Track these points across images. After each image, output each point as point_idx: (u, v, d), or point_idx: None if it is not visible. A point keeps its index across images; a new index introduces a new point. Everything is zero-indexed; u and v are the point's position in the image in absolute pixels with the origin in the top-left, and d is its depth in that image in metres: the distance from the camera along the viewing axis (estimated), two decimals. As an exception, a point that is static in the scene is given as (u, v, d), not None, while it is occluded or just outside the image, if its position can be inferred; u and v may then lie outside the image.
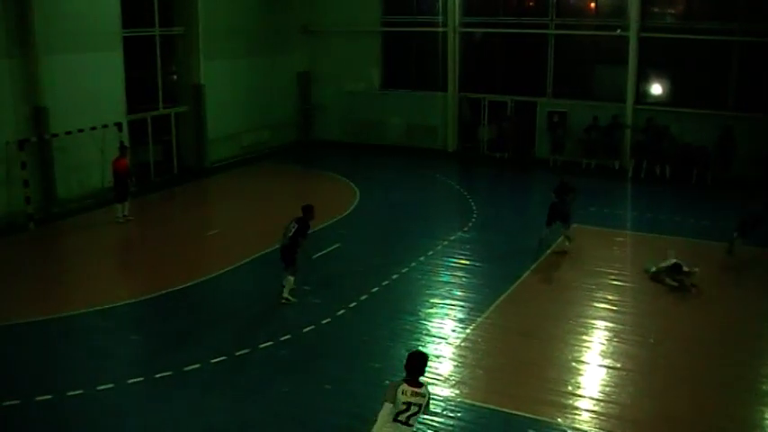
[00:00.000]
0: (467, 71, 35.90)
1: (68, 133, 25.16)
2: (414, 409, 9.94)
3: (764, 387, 14.60)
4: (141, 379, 14.44)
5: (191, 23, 30.97)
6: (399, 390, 9.97)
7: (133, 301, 18.44)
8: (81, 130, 25.57)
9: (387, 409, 9.86)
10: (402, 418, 9.92)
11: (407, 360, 10.24)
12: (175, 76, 31.89)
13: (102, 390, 14.02)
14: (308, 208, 18.14)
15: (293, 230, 17.88)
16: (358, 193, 27.99)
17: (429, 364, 15.00)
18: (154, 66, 30.15)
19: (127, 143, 26.64)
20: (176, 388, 14.28)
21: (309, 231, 18.18)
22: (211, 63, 31.54)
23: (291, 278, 18.24)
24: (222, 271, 20.36)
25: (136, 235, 24.62)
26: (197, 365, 14.95)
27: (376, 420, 9.97)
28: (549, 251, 21.91)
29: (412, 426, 10.01)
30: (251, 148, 34.61)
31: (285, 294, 18.26)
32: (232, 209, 27.17)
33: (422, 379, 10.24)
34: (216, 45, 31.72)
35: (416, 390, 10.01)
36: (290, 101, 37.60)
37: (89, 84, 26.24)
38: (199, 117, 31.55)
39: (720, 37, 30.84)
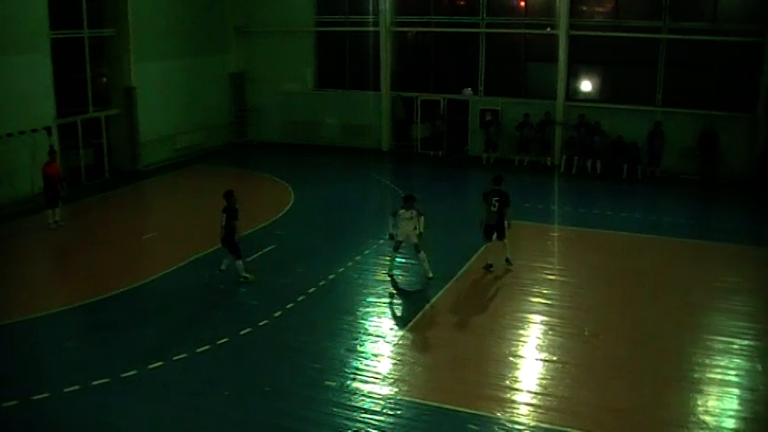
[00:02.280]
0: (400, 70, 36.03)
1: (-4, 137, 24.71)
2: None
3: (697, 375, 14.91)
4: (78, 387, 14.22)
5: (121, 24, 30.55)
6: None
7: (68, 307, 18.12)
8: (10, 135, 25.11)
9: None
10: None
11: None
12: (106, 79, 31.41)
13: (38, 399, 13.77)
14: (228, 193, 19.36)
15: (225, 218, 19.09)
16: (293, 194, 27.91)
17: (368, 362, 15.15)
18: (84, 68, 29.69)
19: (57, 147, 26.21)
20: (114, 395, 14.08)
21: (239, 214, 19.28)
22: (143, 65, 31.16)
23: (240, 262, 19.39)
24: (158, 275, 20.13)
25: (69, 240, 24.18)
26: (134, 372, 14.77)
27: None
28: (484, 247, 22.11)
29: None
30: (185, 151, 34.27)
31: (242, 274, 19.48)
32: (167, 212, 26.94)
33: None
34: (148, 46, 31.34)
35: None
36: (225, 102, 37.35)
37: (17, 87, 25.80)
38: (131, 120, 31.14)
39: (648, 35, 31.45)
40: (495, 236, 20.27)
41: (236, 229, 19.18)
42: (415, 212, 19.53)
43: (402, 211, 19.53)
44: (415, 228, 19.57)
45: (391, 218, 19.91)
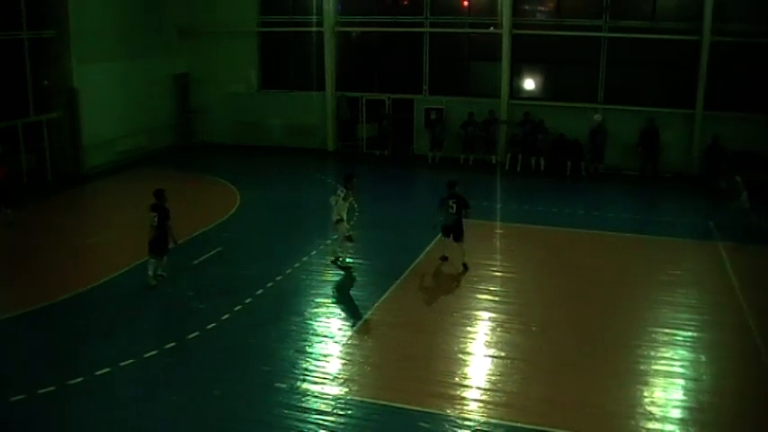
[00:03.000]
0: (344, 70, 36.02)
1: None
2: None
3: (643, 367, 15.16)
4: (23, 396, 13.98)
5: (62, 26, 30.00)
6: None
7: (8, 316, 17.77)
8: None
9: None
10: None
11: None
12: (47, 81, 30.87)
13: (-18, 408, 13.56)
14: (159, 192, 19.41)
15: (156, 219, 18.99)
16: (239, 196, 27.76)
17: (317, 363, 15.14)
18: (23, 70, 29.17)
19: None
20: (61, 403, 13.90)
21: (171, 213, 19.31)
22: (85, 66, 30.67)
23: (165, 258, 19.53)
24: (103, 280, 19.87)
25: (11, 247, 23.76)
26: (80, 379, 14.59)
27: None
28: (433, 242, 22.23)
29: None
30: (129, 153, 33.81)
31: (160, 272, 19.54)
32: (111, 216, 26.58)
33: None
34: (89, 48, 30.82)
35: None
36: (169, 104, 36.97)
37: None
38: (73, 123, 30.67)
39: (589, 33, 31.87)
40: (451, 236, 20.59)
41: (170, 231, 19.20)
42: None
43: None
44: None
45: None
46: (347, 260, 20.89)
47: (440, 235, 21.18)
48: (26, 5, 28.81)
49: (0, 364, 15.67)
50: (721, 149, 29.32)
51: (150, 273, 19.37)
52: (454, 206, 20.27)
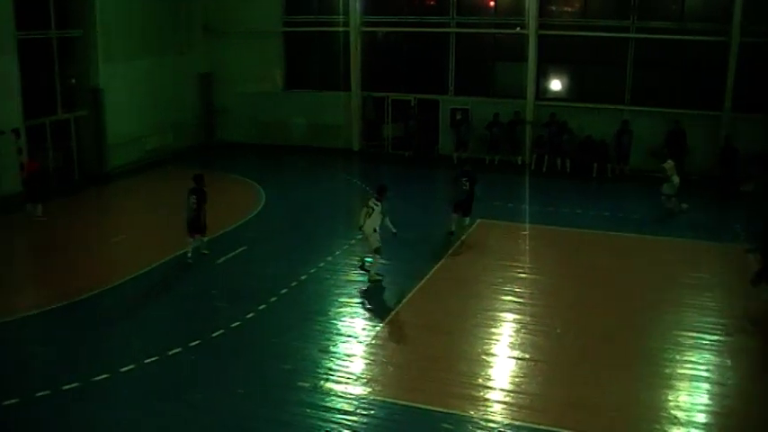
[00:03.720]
0: (370, 70, 35.98)
1: (-37, 140, 24.44)
2: None
3: (667, 371, 15.05)
4: (49, 392, 14.09)
5: (88, 25, 30.23)
6: None
7: (36, 312, 17.95)
8: (-24, 136, 24.88)
9: None
10: None
11: None
12: (74, 80, 31.11)
13: (8, 405, 13.64)
14: (199, 176, 20.92)
15: (195, 201, 20.47)
16: (264, 195, 27.82)
17: (340, 362, 15.14)
18: (51, 69, 29.41)
19: (24, 149, 26.10)
20: (86, 400, 13.99)
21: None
22: (111, 65, 30.89)
23: (205, 238, 21.11)
24: (128, 278, 19.98)
25: (38, 244, 23.98)
26: (105, 376, 14.67)
27: None
28: (457, 244, 22.20)
29: None
30: (154, 152, 33.98)
31: (204, 250, 21.17)
32: (136, 215, 26.72)
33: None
34: (115, 47, 31.08)
35: None
36: (193, 103, 37.12)
37: (-17, 89, 25.51)
38: (98, 121, 30.87)
39: (616, 34, 31.68)
40: (460, 212, 22.81)
41: (204, 214, 20.65)
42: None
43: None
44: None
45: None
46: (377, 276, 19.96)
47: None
48: (54, 5, 29.04)
49: (25, 360, 15.82)
50: (735, 151, 29.20)
51: (189, 252, 20.75)
52: (467, 183, 22.52)
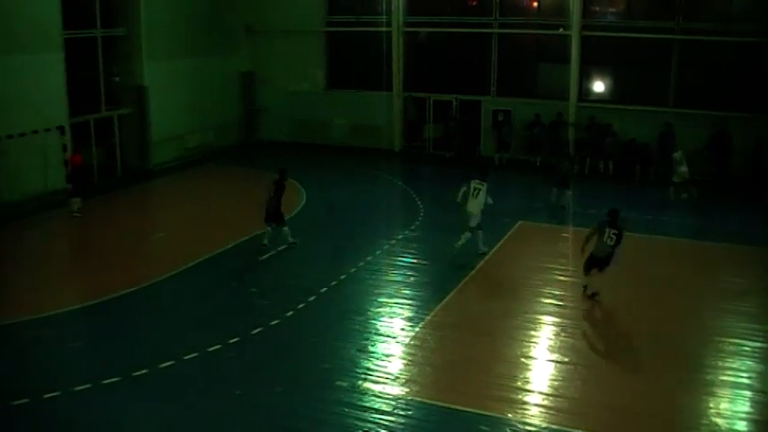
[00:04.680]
0: (411, 71, 35.97)
1: (10, 137, 24.74)
2: None
3: (708, 377, 14.87)
4: (88, 386, 14.23)
5: (133, 24, 30.59)
6: None
7: (78, 306, 18.18)
8: (23, 134, 25.18)
9: None
10: None
11: None
12: (118, 78, 31.45)
13: (48, 398, 13.80)
14: (282, 170, 21.98)
15: (274, 190, 21.60)
16: (304, 194, 27.90)
17: (379, 362, 15.14)
18: (96, 67, 29.75)
19: (69, 146, 26.46)
20: (125, 394, 14.11)
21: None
22: (154, 64, 31.20)
23: (286, 228, 21.83)
24: (168, 275, 20.13)
25: (80, 240, 24.31)
26: (145, 371, 14.79)
27: None
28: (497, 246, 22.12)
29: None
30: (195, 150, 34.28)
31: (290, 239, 21.95)
32: (177, 212, 26.96)
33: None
34: (159, 46, 31.38)
35: None
36: (235, 102, 37.37)
37: (30, 86, 25.85)
38: (142, 119, 31.22)
39: (661, 35, 31.37)
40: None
41: (281, 203, 21.84)
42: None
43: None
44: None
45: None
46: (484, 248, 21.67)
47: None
48: (100, 4, 29.41)
49: (64, 355, 16.01)
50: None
51: (266, 240, 21.73)
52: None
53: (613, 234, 18.00)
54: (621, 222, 18.45)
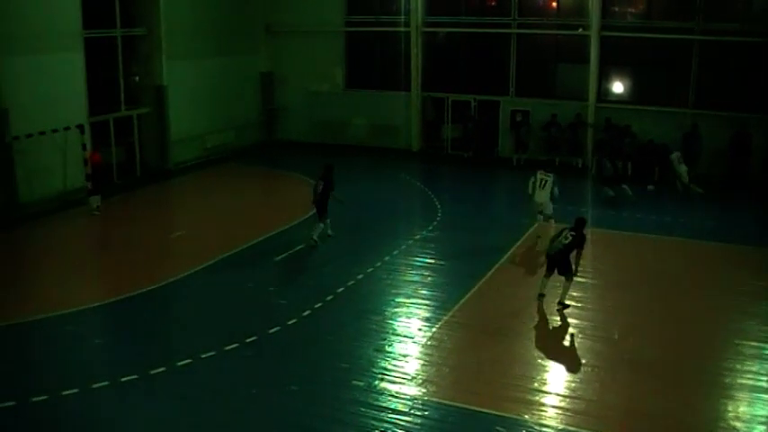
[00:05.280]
0: (430, 71, 35.95)
1: (29, 136, 24.89)
2: None
3: (727, 380, 14.77)
4: (106, 383, 14.32)
5: (153, 24, 30.71)
6: None
7: (97, 304, 18.26)
8: (43, 133, 25.34)
9: None
10: None
11: None
12: (137, 77, 31.61)
13: (67, 395, 13.88)
14: (329, 166, 23.00)
15: (322, 186, 22.18)
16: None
17: (395, 362, 15.14)
18: (116, 67, 29.89)
19: (89, 145, 26.61)
20: (142, 392, 14.19)
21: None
22: (174, 64, 31.31)
23: (322, 224, 22.40)
24: (186, 273, 20.22)
25: (99, 238, 24.46)
26: (162, 369, 14.86)
27: None
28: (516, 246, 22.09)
29: None
30: (215, 150, 34.42)
31: (314, 236, 22.23)
32: (196, 211, 27.07)
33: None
34: (178, 45, 31.50)
35: None
36: (254, 101, 37.48)
37: (50, 85, 26.02)
38: (162, 118, 31.35)
39: (680, 36, 31.19)
40: None
41: (329, 197, 22.37)
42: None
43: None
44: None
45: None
46: None
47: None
48: (120, 5, 29.56)
49: (83, 352, 16.11)
50: None
51: (315, 236, 22.28)
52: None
53: (570, 234, 17.72)
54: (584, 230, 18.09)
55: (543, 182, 22.46)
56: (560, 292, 17.97)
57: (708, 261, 21.93)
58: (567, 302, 17.94)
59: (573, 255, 17.70)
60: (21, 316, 17.40)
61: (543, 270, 18.39)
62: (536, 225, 23.01)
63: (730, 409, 13.83)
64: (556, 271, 17.93)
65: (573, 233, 17.68)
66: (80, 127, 26.80)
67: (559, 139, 32.48)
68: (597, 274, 20.41)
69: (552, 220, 22.54)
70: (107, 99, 29.55)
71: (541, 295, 18.23)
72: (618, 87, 33.56)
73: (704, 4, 30.81)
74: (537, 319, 17.48)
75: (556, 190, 22.35)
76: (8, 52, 24.47)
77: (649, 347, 16.19)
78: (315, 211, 22.66)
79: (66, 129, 26.21)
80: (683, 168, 28.13)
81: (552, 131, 32.50)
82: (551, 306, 18.14)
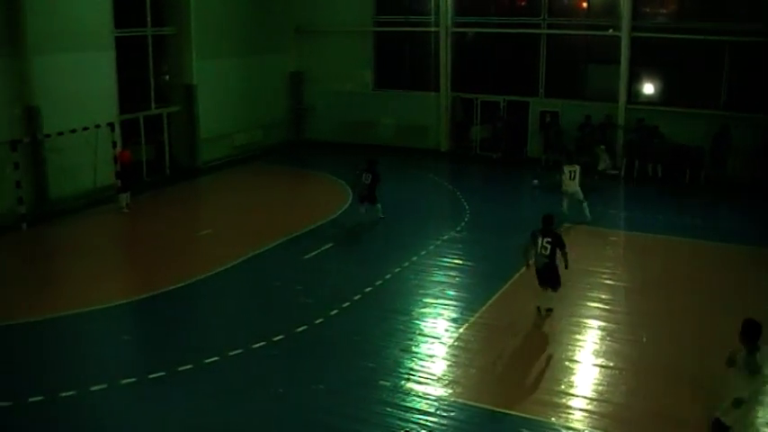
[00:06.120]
0: (459, 71, 35.88)
1: (60, 134, 25.10)
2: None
3: (758, 388, 14.61)
4: (134, 380, 14.42)
5: (183, 23, 30.91)
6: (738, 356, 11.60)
7: (125, 301, 18.41)
8: (73, 131, 25.53)
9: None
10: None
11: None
12: (167, 76, 31.83)
13: (95, 390, 13.99)
14: (373, 160, 24.86)
15: (370, 179, 24.18)
16: (350, 193, 27.93)
17: (422, 363, 15.13)
18: (146, 66, 30.09)
19: (119, 143, 26.80)
20: (169, 389, 14.27)
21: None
22: (203, 63, 31.49)
23: (378, 205, 24.56)
24: (214, 271, 20.30)
25: (127, 236, 24.62)
26: (190, 366, 14.92)
27: None
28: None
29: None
30: (243, 148, 34.57)
31: (380, 214, 24.58)
32: (224, 209, 27.17)
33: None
34: (208, 45, 31.68)
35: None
36: (283, 101, 37.59)
37: (81, 84, 26.22)
38: (191, 117, 31.53)
39: (712, 37, 30.87)
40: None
41: (376, 188, 24.35)
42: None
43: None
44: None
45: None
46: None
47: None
48: (151, 4, 29.78)
49: (112, 349, 16.23)
50: None
51: (380, 213, 24.62)
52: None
53: (547, 243, 16.88)
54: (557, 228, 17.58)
55: (572, 174, 24.32)
56: (548, 300, 17.54)
57: (739, 265, 21.63)
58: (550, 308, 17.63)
59: (559, 257, 17.12)
60: (50, 312, 17.56)
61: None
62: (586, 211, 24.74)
63: (760, 415, 13.64)
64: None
65: (548, 240, 16.92)
66: (110, 125, 26.98)
67: (591, 140, 32.24)
68: (626, 276, 20.28)
69: (585, 203, 24.60)
70: (137, 97, 29.77)
71: (549, 309, 17.59)
72: (648, 89, 33.30)
73: (737, 4, 30.50)
74: (564, 322, 17.37)
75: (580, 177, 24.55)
76: (40, 51, 24.69)
77: (678, 351, 16.04)
78: (361, 202, 24.58)
79: (97, 126, 26.39)
80: (606, 161, 30.25)
81: (585, 132, 32.28)
82: (579, 308, 18.05)
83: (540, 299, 17.65)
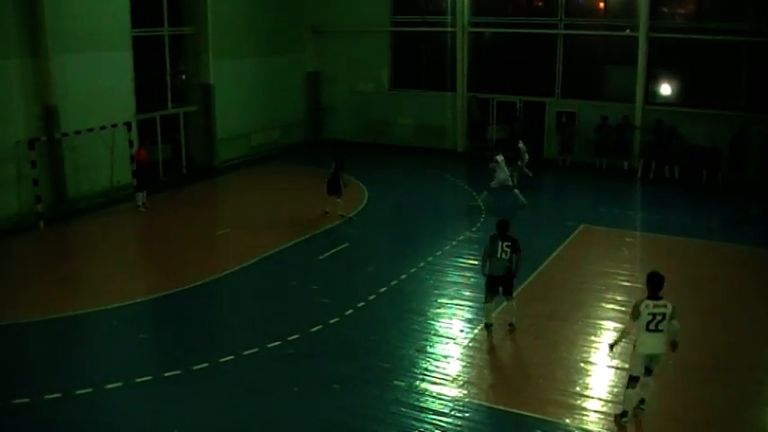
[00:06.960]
0: (476, 71, 35.86)
1: (78, 132, 25.22)
2: (659, 317, 12.93)
3: (777, 390, 14.57)
4: (150, 378, 14.49)
5: (200, 23, 30.99)
6: (643, 305, 12.98)
7: (142, 299, 18.49)
8: (91, 130, 25.64)
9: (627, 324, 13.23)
10: (652, 326, 12.91)
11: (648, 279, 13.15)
12: (184, 76, 31.94)
13: (111, 388, 14.06)
14: (339, 159, 25.44)
15: (334, 168, 24.99)
16: (366, 193, 27.97)
17: (437, 363, 15.13)
18: (163, 65, 30.20)
19: (136, 142, 26.90)
20: (185, 387, 14.33)
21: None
22: (221, 62, 31.58)
23: (340, 200, 24.71)
24: (230, 270, 20.38)
25: (145, 235, 24.73)
26: (205, 365, 14.98)
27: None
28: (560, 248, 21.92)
29: (662, 330, 12.96)
30: (260, 148, 34.65)
31: (340, 212, 24.70)
32: (241, 208, 27.22)
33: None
34: (225, 45, 31.76)
35: (658, 303, 13.02)
36: (300, 100, 37.67)
37: (99, 83, 26.34)
38: (208, 116, 31.61)
39: (730, 37, 30.71)
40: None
41: (341, 178, 24.94)
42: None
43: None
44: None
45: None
46: None
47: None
48: (168, 4, 29.88)
49: (128, 347, 16.30)
50: None
51: (340, 211, 24.81)
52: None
53: (507, 247, 16.43)
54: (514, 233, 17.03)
55: (504, 162, 26.53)
56: (509, 313, 17.05)
57: (758, 268, 21.50)
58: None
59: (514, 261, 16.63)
60: (67, 309, 17.67)
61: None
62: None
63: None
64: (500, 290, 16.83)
65: (508, 244, 16.51)
66: (127, 124, 27.09)
67: (609, 141, 32.14)
68: (643, 277, 20.12)
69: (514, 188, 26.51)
70: (154, 97, 29.89)
71: (489, 325, 16.86)
72: (666, 89, 33.17)
73: (755, 5, 30.33)
74: (580, 323, 17.33)
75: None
76: (58, 50, 24.80)
77: (695, 354, 15.93)
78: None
79: (114, 126, 26.50)
80: (526, 159, 29.93)
81: (603, 133, 32.18)
82: (595, 309, 18.01)
83: (487, 316, 16.94)
